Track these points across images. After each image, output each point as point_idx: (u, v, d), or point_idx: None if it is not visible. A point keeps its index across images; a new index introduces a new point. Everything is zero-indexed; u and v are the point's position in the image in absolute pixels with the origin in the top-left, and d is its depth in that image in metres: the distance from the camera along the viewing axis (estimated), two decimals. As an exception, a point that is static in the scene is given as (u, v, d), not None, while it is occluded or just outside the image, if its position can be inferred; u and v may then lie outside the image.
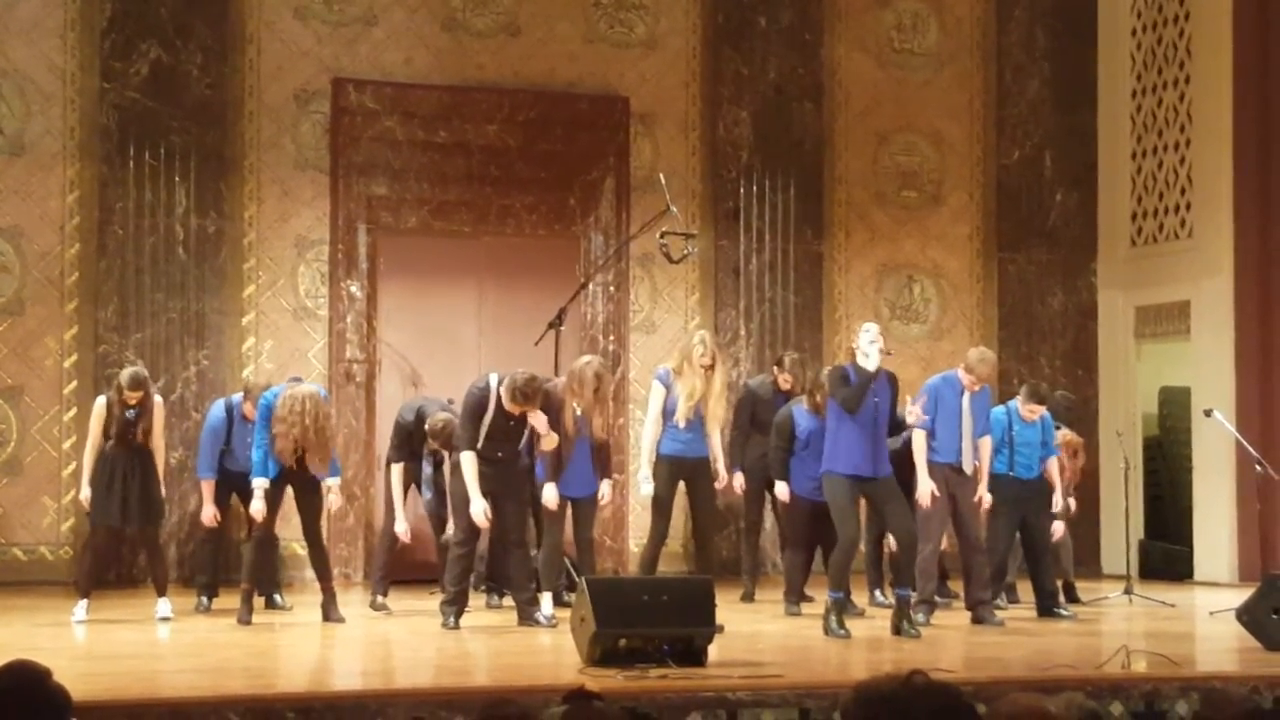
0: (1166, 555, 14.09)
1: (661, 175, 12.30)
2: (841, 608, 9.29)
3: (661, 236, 11.34)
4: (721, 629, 8.08)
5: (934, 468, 9.95)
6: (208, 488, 11.04)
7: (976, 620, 9.95)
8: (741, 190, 14.28)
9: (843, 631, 9.19)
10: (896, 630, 9.33)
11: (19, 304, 12.76)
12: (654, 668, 7.47)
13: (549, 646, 8.92)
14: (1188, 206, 14.35)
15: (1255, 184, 13.57)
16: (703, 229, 13.86)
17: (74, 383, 12.76)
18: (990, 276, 14.99)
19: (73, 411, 12.73)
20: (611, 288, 13.79)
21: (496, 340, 13.04)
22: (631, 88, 14.06)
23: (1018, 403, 10.65)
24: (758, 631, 9.58)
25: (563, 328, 11.17)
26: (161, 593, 10.28)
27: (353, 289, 13.33)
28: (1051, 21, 15.16)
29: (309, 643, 9.39)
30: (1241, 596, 9.34)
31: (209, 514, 11.00)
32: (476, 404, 9.81)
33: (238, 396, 11.17)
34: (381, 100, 13.43)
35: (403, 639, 9.55)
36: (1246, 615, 9.04)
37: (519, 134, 13.68)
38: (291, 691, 7.02)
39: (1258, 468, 10.36)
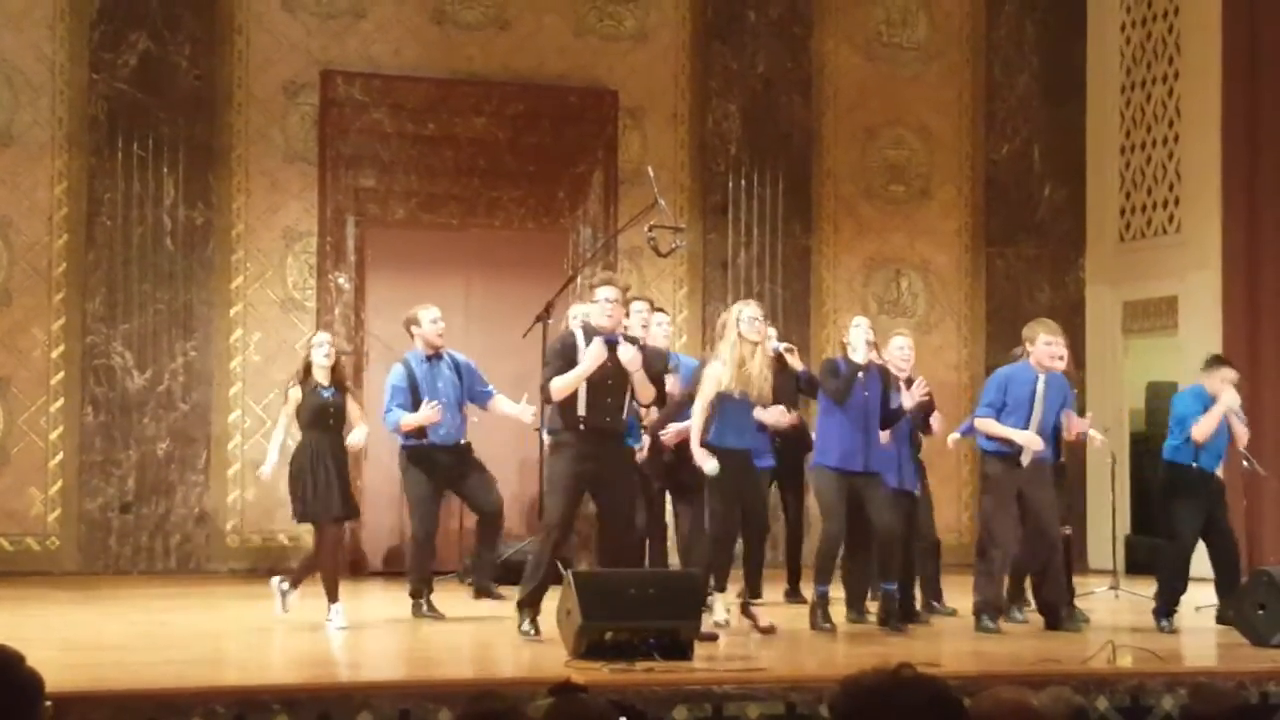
0: (1152, 551, 14.08)
1: (650, 169, 12.30)
2: (826, 601, 9.27)
3: (650, 230, 11.33)
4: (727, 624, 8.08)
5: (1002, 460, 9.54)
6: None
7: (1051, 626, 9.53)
8: (730, 184, 14.29)
9: (829, 625, 9.19)
10: (883, 624, 9.33)
11: (6, 294, 12.74)
12: (640, 661, 7.47)
13: (535, 638, 8.91)
14: (1176, 202, 14.37)
15: (1243, 180, 13.59)
16: (691, 223, 13.87)
17: (61, 373, 12.76)
18: (978, 271, 15.00)
19: (60, 402, 12.72)
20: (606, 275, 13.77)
21: (484, 333, 13.02)
22: (620, 81, 14.06)
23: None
24: (743, 625, 9.56)
25: (550, 321, 11.16)
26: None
27: (341, 281, 13.32)
28: (1041, 16, 15.18)
29: (296, 635, 9.38)
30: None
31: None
32: (564, 345, 8.62)
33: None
34: (370, 92, 13.42)
35: (390, 630, 9.54)
36: (1233, 610, 9.06)
37: (507, 127, 13.68)
38: (277, 683, 7.01)
39: (1244, 463, 10.38)
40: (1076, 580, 10.38)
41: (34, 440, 12.72)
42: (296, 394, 9.42)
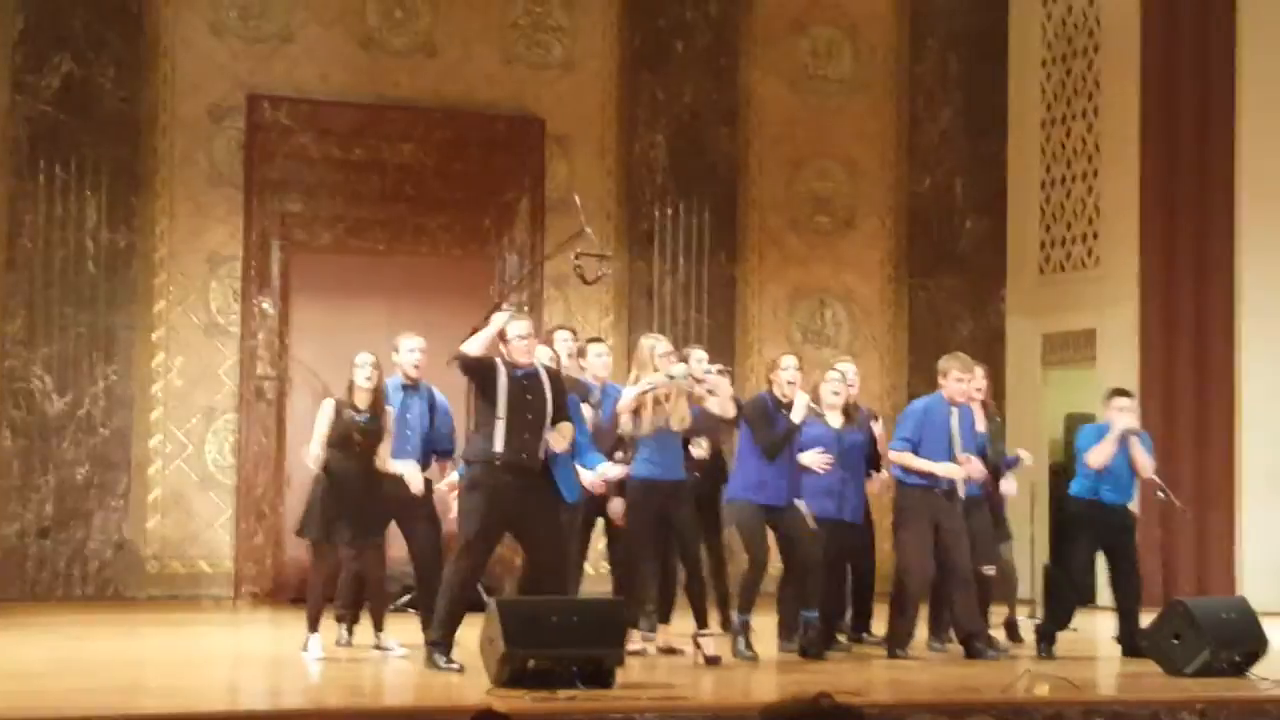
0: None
1: (577, 196, 12.32)
2: (748, 630, 9.30)
3: (576, 258, 11.31)
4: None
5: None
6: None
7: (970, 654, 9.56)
8: (656, 213, 14.36)
9: (750, 653, 9.22)
10: (804, 653, 9.37)
11: (-76, 316, 12.60)
12: (562, 689, 7.47)
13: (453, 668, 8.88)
14: (1095, 236, 14.56)
15: (1161, 215, 13.79)
16: (617, 251, 13.92)
17: (-21, 397, 12.62)
18: (901, 302, 15.14)
19: (-22, 425, 12.59)
20: (526, 308, 13.79)
21: (409, 359, 12.98)
22: (548, 109, 14.10)
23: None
24: (667, 653, 9.58)
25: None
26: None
27: (265, 306, 13.26)
28: (963, 51, 15.36)
29: (219, 662, 9.32)
30: (1144, 622, 9.49)
31: None
32: (483, 359, 8.40)
33: None
34: (297, 117, 13.39)
35: (314, 658, 9.47)
36: (1148, 641, 9.18)
37: (434, 153, 13.69)
38: (196, 711, 6.96)
39: (1159, 494, 10.52)
40: (999, 609, 10.47)
41: (-49, 464, 12.57)
42: (329, 408, 9.12)
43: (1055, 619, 9.94)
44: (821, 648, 9.42)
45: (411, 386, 9.60)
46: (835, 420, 9.72)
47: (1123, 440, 9.77)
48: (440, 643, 8.41)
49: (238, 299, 13.25)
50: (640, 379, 9.05)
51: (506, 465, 8.33)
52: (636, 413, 8.97)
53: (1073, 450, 10.22)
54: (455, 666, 8.34)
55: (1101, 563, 10.38)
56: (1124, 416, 9.82)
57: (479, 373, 8.38)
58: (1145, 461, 9.91)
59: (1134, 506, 10.20)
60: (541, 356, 8.94)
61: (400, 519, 9.50)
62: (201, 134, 13.25)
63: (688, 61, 14.54)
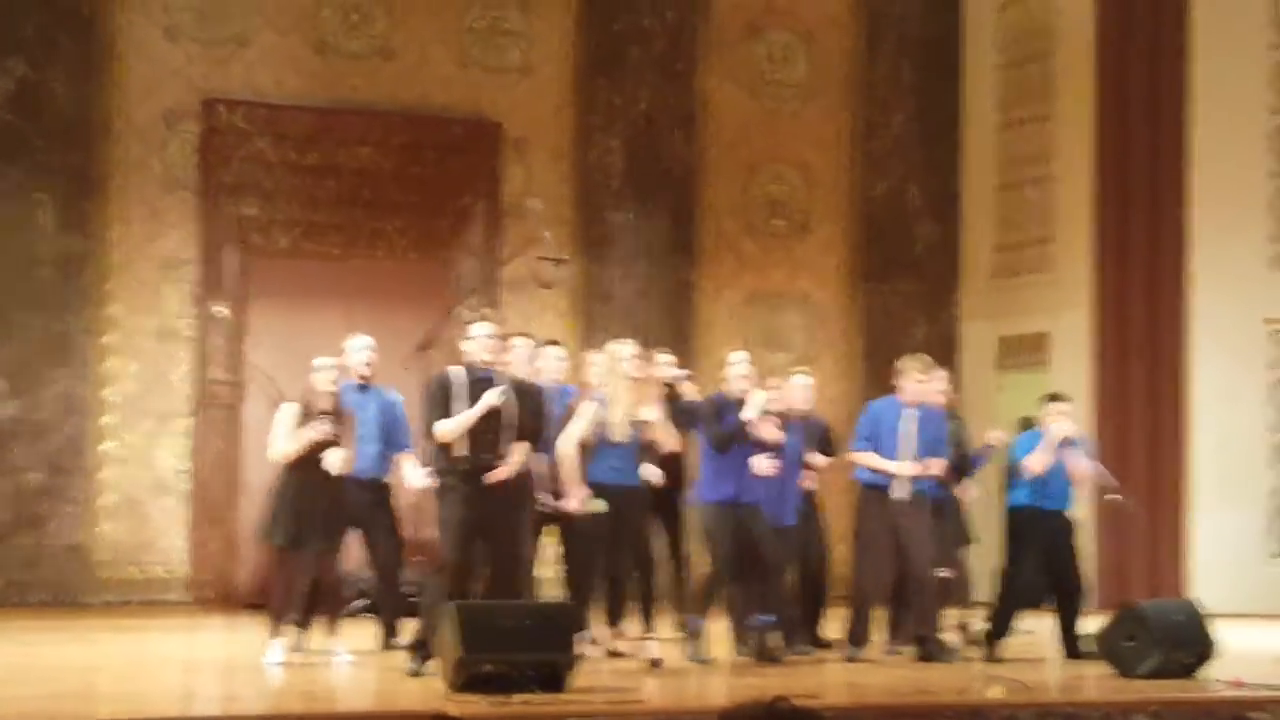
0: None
1: (533, 201, 12.35)
2: (702, 633, 9.32)
3: (534, 261, 11.37)
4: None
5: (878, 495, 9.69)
6: None
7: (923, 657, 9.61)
8: (612, 217, 14.37)
9: (705, 657, 9.23)
10: (761, 657, 9.39)
11: (-125, 321, 12.51)
12: (517, 693, 7.47)
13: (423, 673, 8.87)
14: (1048, 240, 14.66)
15: (1115, 220, 13.90)
16: (574, 255, 13.92)
17: (-69, 402, 12.53)
18: (856, 306, 15.20)
19: (-70, 431, 12.50)
20: (486, 312, 13.78)
21: (365, 364, 12.95)
22: (504, 113, 14.10)
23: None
24: (613, 656, 9.59)
25: (432, 351, 11.12)
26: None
27: (220, 310, 13.21)
28: (917, 56, 15.44)
29: (174, 667, 9.28)
30: (1098, 624, 9.55)
31: None
32: (441, 385, 8.50)
33: None
34: (253, 121, 13.36)
35: (274, 662, 9.44)
36: (1102, 643, 9.24)
37: (391, 157, 13.68)
38: (150, 717, 6.93)
39: (1110, 497, 10.59)
40: (957, 613, 10.52)
41: (-97, 469, 12.48)
42: (291, 410, 9.04)
43: (997, 626, 10.00)
44: (780, 652, 9.43)
45: (363, 387, 9.60)
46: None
47: (1059, 446, 9.83)
48: (420, 646, 8.41)
49: (193, 303, 13.19)
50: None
51: (472, 469, 8.37)
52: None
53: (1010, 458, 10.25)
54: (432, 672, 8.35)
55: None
56: (1060, 422, 9.88)
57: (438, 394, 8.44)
58: (1082, 465, 9.98)
59: (1075, 511, 10.26)
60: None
61: (361, 523, 9.49)
62: (156, 138, 13.20)
63: (644, 66, 14.57)
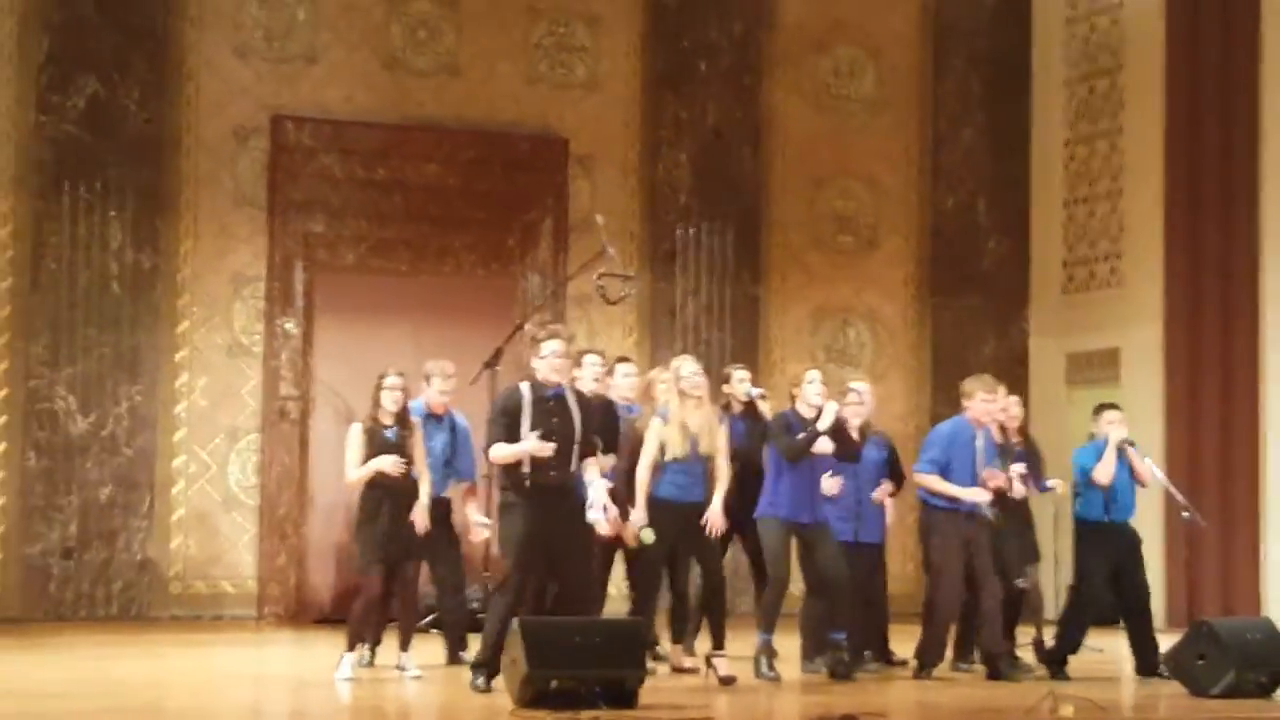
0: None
1: (599, 216, 12.33)
2: (770, 649, 9.27)
3: (599, 278, 11.34)
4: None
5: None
6: None
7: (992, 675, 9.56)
8: (679, 233, 14.36)
9: (773, 674, 9.19)
10: (832, 674, 9.32)
11: (-51, 338, 12.65)
12: (585, 710, 7.45)
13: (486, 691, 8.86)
14: (1119, 255, 14.53)
15: (1185, 234, 13.76)
16: (640, 271, 13.92)
17: (3, 417, 12.64)
18: (924, 322, 15.12)
19: (1, 446, 12.61)
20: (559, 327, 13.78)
21: (432, 379, 12.99)
22: (571, 129, 14.12)
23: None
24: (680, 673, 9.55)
25: (498, 368, 11.13)
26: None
27: (289, 326, 13.29)
28: (986, 71, 15.36)
29: (242, 683, 9.31)
30: (1169, 643, 9.44)
31: None
32: (507, 405, 8.53)
33: None
34: (321, 138, 13.43)
35: (343, 678, 9.46)
36: (1173, 661, 9.13)
37: (458, 173, 13.72)
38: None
39: (1185, 514, 10.47)
40: (1026, 629, 10.43)
41: (-24, 484, 12.61)
42: (358, 431, 9.18)
43: (1068, 642, 9.89)
44: (850, 669, 9.37)
45: (435, 416, 9.72)
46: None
47: (1120, 454, 9.74)
48: (484, 664, 8.40)
49: (261, 319, 13.28)
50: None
51: (535, 487, 8.35)
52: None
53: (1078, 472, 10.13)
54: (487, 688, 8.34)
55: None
56: (1116, 429, 9.80)
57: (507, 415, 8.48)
58: (1144, 469, 9.89)
59: (1141, 522, 10.16)
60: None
61: (425, 541, 9.53)
62: (226, 155, 13.30)
63: (710, 81, 14.56)
